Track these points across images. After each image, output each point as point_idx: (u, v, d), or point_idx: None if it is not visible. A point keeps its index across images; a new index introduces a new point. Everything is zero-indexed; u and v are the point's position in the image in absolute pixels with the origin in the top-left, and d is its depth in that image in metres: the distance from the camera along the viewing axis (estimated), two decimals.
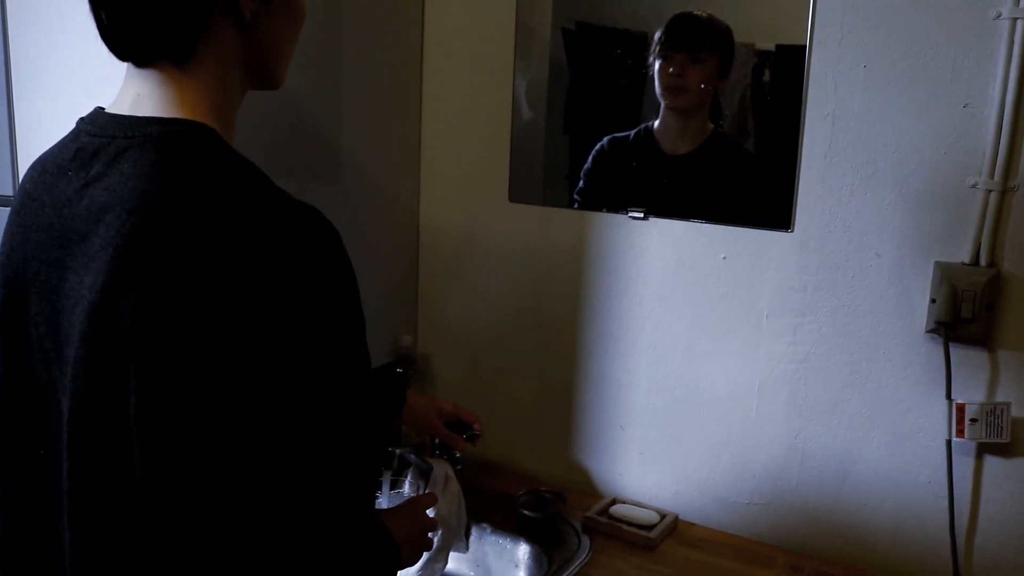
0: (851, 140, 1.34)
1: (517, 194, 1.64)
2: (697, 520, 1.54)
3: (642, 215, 1.52)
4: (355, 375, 0.79)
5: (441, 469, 1.39)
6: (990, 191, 1.26)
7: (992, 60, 1.24)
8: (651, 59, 1.49)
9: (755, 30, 1.43)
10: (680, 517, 1.53)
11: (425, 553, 1.38)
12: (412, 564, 1.14)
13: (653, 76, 1.50)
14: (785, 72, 1.40)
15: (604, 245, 1.57)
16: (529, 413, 1.70)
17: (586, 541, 1.45)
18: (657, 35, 1.49)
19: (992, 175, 1.26)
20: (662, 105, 1.50)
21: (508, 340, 1.70)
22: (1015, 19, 1.22)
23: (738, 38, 1.44)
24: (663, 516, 1.50)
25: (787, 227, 1.42)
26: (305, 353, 0.71)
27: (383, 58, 1.62)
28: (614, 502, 1.55)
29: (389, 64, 1.64)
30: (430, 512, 1.21)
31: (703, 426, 1.53)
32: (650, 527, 1.47)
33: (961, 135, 1.27)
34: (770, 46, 1.43)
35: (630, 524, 1.47)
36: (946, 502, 1.34)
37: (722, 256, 1.47)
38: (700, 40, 1.46)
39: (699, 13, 1.46)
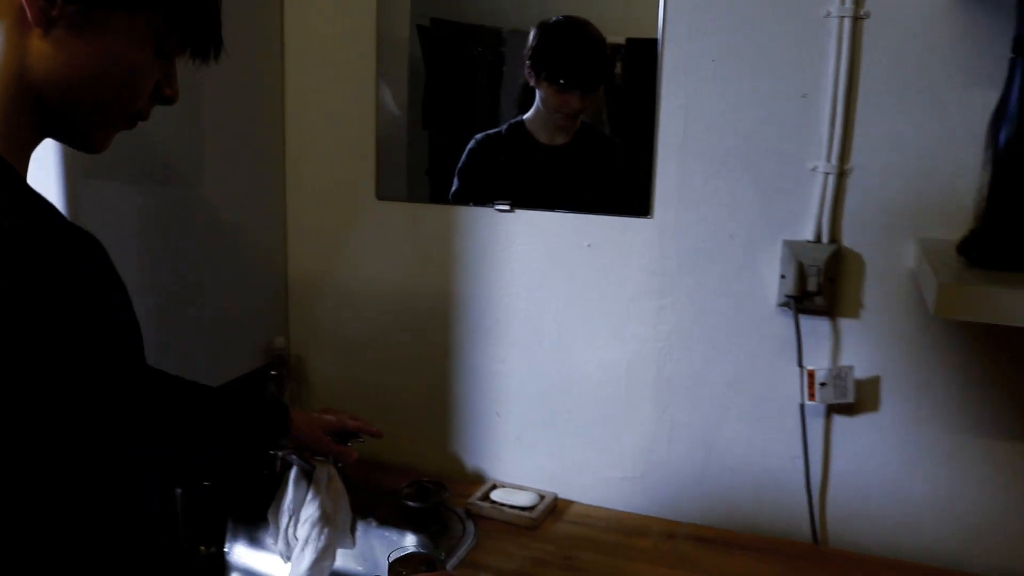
0: (703, 130, 1.43)
1: (385, 191, 1.65)
2: (575, 498, 1.60)
3: (508, 207, 1.57)
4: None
5: (324, 469, 1.39)
6: (828, 174, 1.38)
7: (825, 54, 1.35)
8: (529, 74, 1.52)
9: (609, 25, 1.49)
10: (559, 496, 1.59)
11: (310, 552, 1.38)
12: None
13: (520, 80, 1.54)
14: (641, 66, 1.47)
15: (472, 238, 1.60)
16: (407, 408, 1.71)
17: (471, 526, 1.48)
18: (533, 52, 1.51)
19: (829, 159, 1.37)
20: (537, 103, 1.54)
21: (383, 337, 1.71)
22: (842, 17, 1.33)
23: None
24: (543, 497, 1.56)
25: (647, 214, 1.49)
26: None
27: (243, 63, 1.59)
28: (494, 487, 1.59)
29: (250, 69, 1.61)
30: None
31: (576, 408, 1.59)
32: (531, 508, 1.52)
33: (801, 123, 1.38)
34: (621, 40, 1.50)
35: (512, 507, 1.52)
36: (801, 461, 1.46)
37: (587, 244, 1.54)
38: (594, 77, 1.51)
39: (581, 26, 1.49)
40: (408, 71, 1.63)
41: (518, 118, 1.56)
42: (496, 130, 1.57)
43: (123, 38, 0.77)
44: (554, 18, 1.50)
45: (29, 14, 0.72)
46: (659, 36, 1.43)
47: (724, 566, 1.40)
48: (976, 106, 1.29)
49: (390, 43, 1.62)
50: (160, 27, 0.80)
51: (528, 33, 1.53)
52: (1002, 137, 1.23)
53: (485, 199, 1.59)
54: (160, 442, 1.04)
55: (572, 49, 1.51)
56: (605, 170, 1.54)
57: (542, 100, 1.53)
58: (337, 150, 1.68)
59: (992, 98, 1.24)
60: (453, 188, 1.61)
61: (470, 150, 1.59)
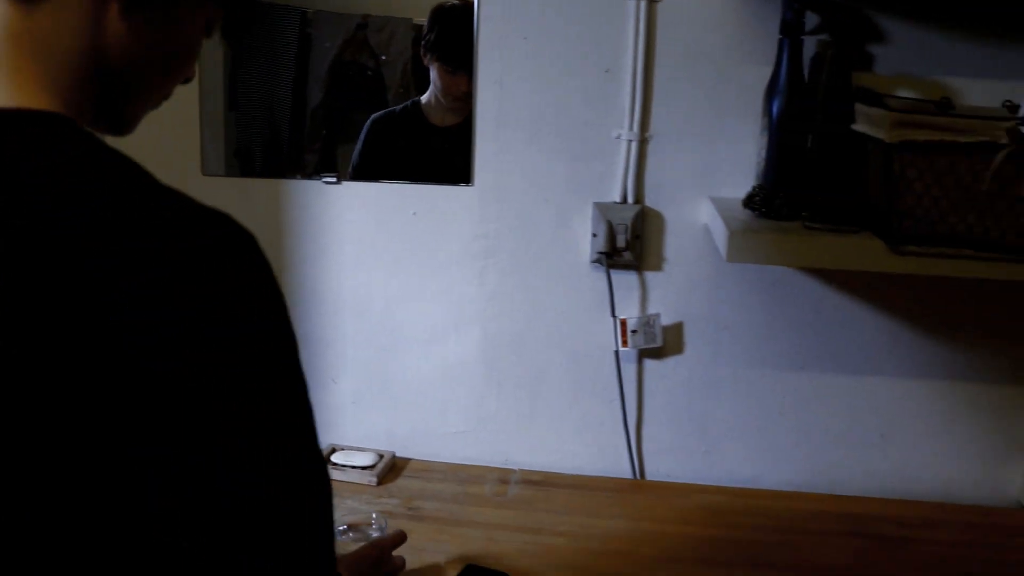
0: (518, 102, 1.54)
1: (210, 167, 1.66)
2: (412, 455, 1.68)
3: (335, 180, 1.62)
4: None
5: None
6: (631, 141, 1.52)
7: (624, 33, 1.49)
8: (424, 55, 1.56)
9: (426, 5, 1.56)
10: (397, 454, 1.67)
11: None
12: None
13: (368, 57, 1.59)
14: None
15: (301, 211, 1.64)
16: None
17: None
18: (427, 34, 1.55)
19: (631, 128, 1.52)
20: (432, 85, 1.58)
21: None
22: (638, 0, 1.47)
23: (401, 13, 1.57)
24: (381, 456, 1.63)
25: (468, 182, 1.59)
26: None
27: None
28: (334, 450, 1.65)
29: None
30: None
31: (408, 369, 1.67)
32: (372, 467, 1.59)
33: (605, 95, 1.52)
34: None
35: (353, 467, 1.58)
36: (618, 404, 1.61)
37: (413, 212, 1.61)
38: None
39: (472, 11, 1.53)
40: (223, 50, 1.64)
41: (415, 99, 1.60)
42: (390, 110, 1.60)
43: (189, 21, 0.78)
44: (449, 3, 1.54)
45: None
46: (475, 16, 1.52)
47: (554, 504, 1.53)
48: (753, 80, 1.47)
49: None
50: (217, 8, 0.81)
51: (337, 15, 1.57)
52: (775, 107, 1.42)
53: (382, 178, 1.62)
54: None
55: (462, 33, 1.56)
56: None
57: (434, 82, 1.58)
58: (160, 125, 1.66)
59: (766, 73, 1.43)
60: (351, 167, 1.63)
61: (366, 131, 1.61)
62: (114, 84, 0.75)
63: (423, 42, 1.57)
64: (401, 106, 1.61)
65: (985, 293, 1.52)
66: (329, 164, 1.63)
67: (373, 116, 1.62)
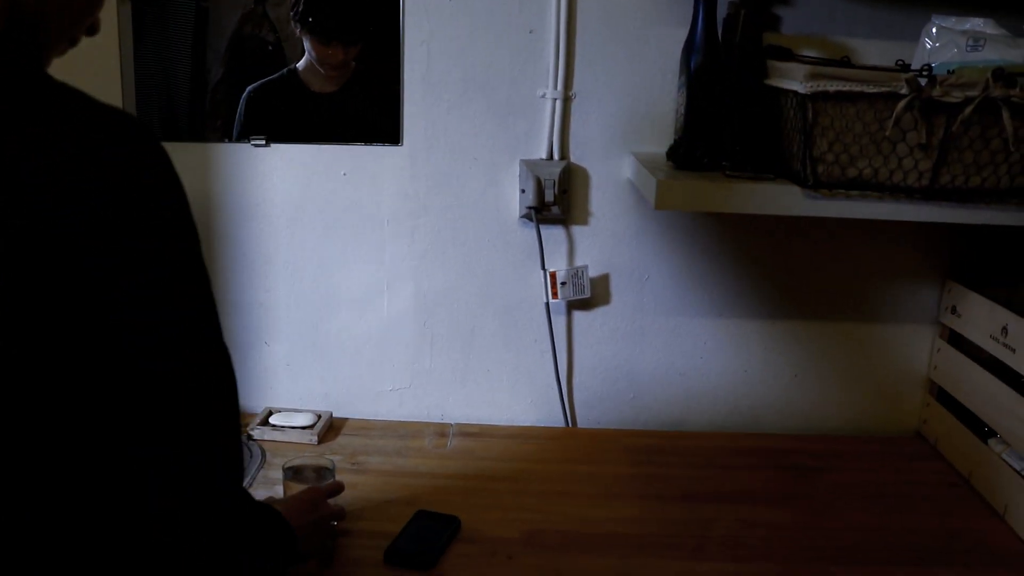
0: (445, 63, 1.57)
1: None
2: (350, 415, 1.70)
3: (264, 142, 1.62)
4: None
5: None
6: (555, 99, 1.57)
7: None
8: (295, 26, 1.56)
9: None
10: (334, 414, 1.68)
11: None
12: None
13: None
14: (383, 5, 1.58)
15: (228, 174, 1.63)
16: None
17: (256, 449, 1.54)
18: (294, 5, 1.54)
19: (555, 87, 1.57)
20: (307, 53, 1.58)
21: None
22: None
23: None
24: (319, 416, 1.65)
25: (397, 142, 1.61)
26: None
27: None
28: (271, 413, 1.65)
29: None
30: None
31: (342, 328, 1.69)
32: (311, 426, 1.60)
33: (530, 55, 1.56)
34: None
35: (292, 427, 1.60)
36: (550, 354, 1.67)
37: (343, 173, 1.63)
38: (355, 30, 1.56)
39: None
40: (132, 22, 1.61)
41: (291, 67, 1.59)
42: (268, 79, 1.59)
43: None
44: None
45: None
46: None
47: (493, 452, 1.58)
48: (671, 40, 1.54)
49: None
50: None
51: None
52: (692, 65, 1.49)
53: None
54: None
55: (332, 4, 1.56)
56: (372, 109, 1.62)
57: (308, 52, 1.58)
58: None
59: (682, 34, 1.49)
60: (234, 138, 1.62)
61: (245, 102, 1.60)
62: (26, 27, 0.75)
63: (291, 12, 1.56)
64: (277, 74, 1.60)
65: (884, 237, 1.64)
66: (287, 134, 1.62)
67: (249, 88, 1.60)
